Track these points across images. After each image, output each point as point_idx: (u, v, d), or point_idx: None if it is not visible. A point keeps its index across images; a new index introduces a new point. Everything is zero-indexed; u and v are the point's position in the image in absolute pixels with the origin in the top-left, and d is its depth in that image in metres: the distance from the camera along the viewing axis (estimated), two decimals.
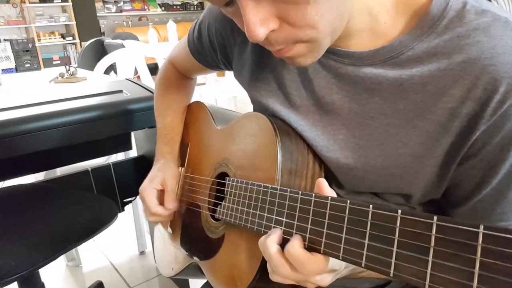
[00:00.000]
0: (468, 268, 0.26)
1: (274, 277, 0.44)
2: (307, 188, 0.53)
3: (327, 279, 0.42)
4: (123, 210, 1.38)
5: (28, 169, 1.28)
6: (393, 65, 0.45)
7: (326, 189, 0.42)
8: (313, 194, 0.40)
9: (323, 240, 0.38)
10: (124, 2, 7.02)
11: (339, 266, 0.43)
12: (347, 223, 0.36)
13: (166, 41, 4.79)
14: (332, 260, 0.41)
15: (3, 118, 0.96)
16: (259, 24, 0.39)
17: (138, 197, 1.45)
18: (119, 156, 1.79)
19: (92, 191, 1.29)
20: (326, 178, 0.54)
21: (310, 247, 0.39)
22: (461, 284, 0.26)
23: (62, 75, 1.76)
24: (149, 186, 0.74)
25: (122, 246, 1.78)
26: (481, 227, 0.25)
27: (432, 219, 0.28)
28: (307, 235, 0.40)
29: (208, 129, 0.74)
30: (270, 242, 0.42)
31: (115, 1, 6.92)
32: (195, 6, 7.71)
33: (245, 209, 0.51)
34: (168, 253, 0.81)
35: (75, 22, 6.25)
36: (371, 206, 0.33)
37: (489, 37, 0.40)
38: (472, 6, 0.42)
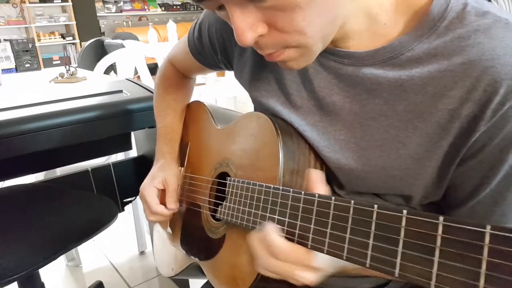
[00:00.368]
0: (474, 268, 0.26)
1: (259, 269, 0.45)
2: None
3: (309, 276, 0.42)
4: (123, 210, 1.38)
5: (28, 169, 1.28)
6: (393, 65, 0.45)
7: (317, 184, 0.42)
8: (317, 194, 0.40)
9: (327, 240, 0.38)
10: (124, 2, 7.02)
11: (326, 266, 0.43)
12: (351, 223, 0.35)
13: (166, 41, 4.79)
14: (319, 259, 0.41)
15: (3, 118, 0.96)
16: (247, 30, 0.40)
17: (138, 197, 1.45)
18: (119, 156, 1.79)
19: (92, 191, 1.29)
20: (327, 178, 0.54)
21: (313, 247, 0.39)
22: (467, 284, 0.26)
23: (62, 75, 1.76)
24: (149, 185, 0.74)
25: (122, 246, 1.78)
26: (488, 227, 0.25)
27: (438, 219, 0.28)
28: (310, 235, 0.40)
29: (208, 129, 0.74)
30: (253, 233, 0.45)
31: (115, 1, 6.92)
32: (195, 6, 7.70)
33: (247, 209, 0.51)
34: (168, 254, 0.81)
35: (75, 22, 6.25)
36: (375, 206, 0.33)
37: (489, 38, 0.40)
38: (472, 7, 0.41)
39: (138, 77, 3.23)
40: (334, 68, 0.49)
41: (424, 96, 0.43)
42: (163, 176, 0.75)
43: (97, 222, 0.94)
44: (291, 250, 0.41)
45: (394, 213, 0.32)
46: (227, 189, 0.58)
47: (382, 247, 0.32)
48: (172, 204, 0.73)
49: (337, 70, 0.49)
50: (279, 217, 0.44)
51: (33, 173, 1.47)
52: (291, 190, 0.43)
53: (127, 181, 1.36)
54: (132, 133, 1.44)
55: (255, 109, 0.64)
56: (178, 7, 7.57)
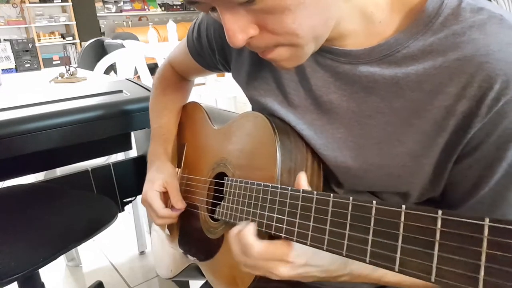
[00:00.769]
0: (474, 260, 0.26)
1: (240, 266, 0.48)
2: None
3: (285, 270, 0.43)
4: (123, 210, 1.38)
5: (28, 169, 1.28)
6: (389, 63, 0.45)
7: (303, 183, 0.45)
8: (315, 192, 0.40)
9: (326, 237, 0.38)
10: (124, 2, 7.02)
11: (305, 259, 0.43)
12: (350, 220, 0.35)
13: (166, 41, 4.79)
14: (295, 251, 0.42)
15: (3, 118, 0.96)
16: (238, 31, 0.40)
17: (138, 197, 1.45)
18: (119, 156, 1.79)
19: (92, 191, 1.29)
20: (325, 177, 0.54)
21: (312, 245, 0.39)
22: (467, 277, 0.26)
23: (62, 75, 1.76)
24: (151, 190, 0.72)
25: (122, 246, 1.78)
26: (487, 219, 0.25)
27: (437, 213, 0.28)
28: (310, 233, 0.40)
29: (204, 129, 0.74)
30: (232, 231, 0.48)
31: (115, 1, 6.92)
32: None
33: (245, 208, 0.51)
34: (166, 255, 0.81)
35: (75, 22, 6.25)
36: (374, 202, 0.33)
37: (484, 34, 0.40)
38: (467, 3, 0.42)
39: (138, 77, 3.23)
40: (331, 67, 0.49)
41: (420, 93, 0.43)
42: (163, 178, 0.73)
43: (97, 222, 0.94)
44: (265, 248, 0.44)
45: (393, 208, 0.32)
46: (225, 189, 0.58)
47: (381, 243, 0.32)
48: (179, 203, 0.71)
49: (334, 69, 0.49)
50: (278, 216, 0.44)
51: (33, 173, 1.47)
52: (290, 188, 0.43)
53: (127, 181, 1.36)
54: (132, 133, 1.44)
55: (253, 109, 0.64)
56: (178, 7, 7.57)
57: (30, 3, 5.86)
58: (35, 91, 1.52)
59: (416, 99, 0.44)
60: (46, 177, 1.49)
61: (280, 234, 0.43)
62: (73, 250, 1.64)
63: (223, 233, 0.60)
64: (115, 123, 1.11)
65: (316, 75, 0.51)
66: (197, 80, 0.90)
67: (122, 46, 3.40)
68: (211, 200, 0.68)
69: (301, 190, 0.42)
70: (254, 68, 0.59)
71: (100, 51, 3.51)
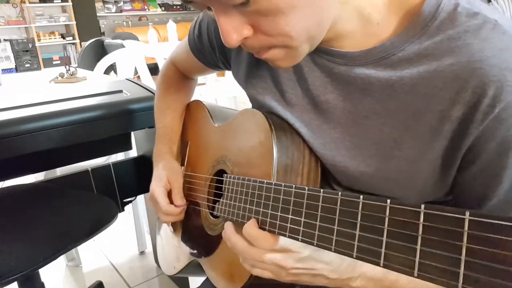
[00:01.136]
0: (455, 255, 0.26)
1: (243, 263, 0.49)
2: (303, 183, 0.53)
3: (290, 259, 0.44)
4: (123, 210, 1.38)
5: (28, 169, 1.28)
6: (385, 65, 0.45)
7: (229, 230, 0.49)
8: (306, 188, 0.40)
9: (316, 232, 0.38)
10: (124, 2, 7.02)
11: (310, 251, 0.43)
12: (339, 215, 0.36)
13: (166, 41, 4.79)
14: (284, 240, 0.43)
15: (3, 118, 0.96)
16: (232, 32, 0.41)
17: (138, 197, 1.45)
18: (119, 156, 1.79)
19: (92, 191, 1.29)
20: (324, 175, 0.54)
21: (304, 240, 0.39)
22: (448, 271, 0.26)
23: (62, 75, 1.76)
24: (158, 187, 0.73)
25: (122, 246, 1.78)
26: (467, 213, 0.25)
27: (420, 208, 0.28)
28: (301, 229, 0.40)
29: (206, 128, 0.75)
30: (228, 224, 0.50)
31: (115, 1, 6.92)
32: None
33: (242, 205, 0.51)
34: (170, 252, 0.82)
35: (75, 22, 6.25)
36: (361, 197, 0.33)
37: (478, 39, 0.39)
38: (463, 8, 0.41)
39: (138, 77, 3.23)
40: (328, 67, 0.50)
41: (415, 97, 0.43)
42: (168, 175, 0.75)
43: (97, 222, 0.94)
44: (272, 238, 0.45)
45: (379, 203, 0.32)
46: (224, 186, 0.58)
47: (368, 237, 0.32)
48: (179, 201, 0.72)
49: (330, 69, 0.49)
50: (272, 212, 0.45)
51: (33, 173, 1.47)
52: (283, 184, 0.43)
53: (127, 181, 1.36)
54: (132, 133, 1.44)
55: (253, 107, 0.64)
56: (178, 7, 7.57)
57: (30, 3, 5.86)
58: (35, 91, 1.52)
59: (410, 102, 0.43)
60: (46, 177, 1.49)
61: (274, 230, 0.44)
62: (73, 250, 1.64)
63: (222, 230, 0.61)
64: (115, 123, 1.11)
65: (313, 74, 0.51)
66: (198, 80, 0.91)
67: (122, 46, 3.40)
68: (212, 197, 0.68)
69: (294, 186, 0.42)
70: (252, 67, 0.60)
71: (100, 51, 3.51)
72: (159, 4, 7.41)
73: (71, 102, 1.13)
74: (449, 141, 0.43)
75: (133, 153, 1.51)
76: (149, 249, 1.73)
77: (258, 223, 0.47)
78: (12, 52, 3.94)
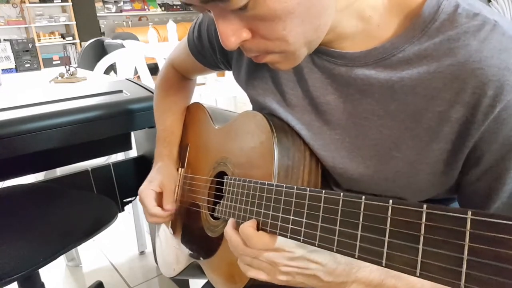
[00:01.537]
0: (457, 254, 0.26)
1: (239, 263, 0.49)
2: (304, 185, 0.53)
3: (283, 259, 0.44)
4: (123, 210, 1.39)
5: (28, 169, 1.28)
6: (385, 66, 0.45)
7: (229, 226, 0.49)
8: (308, 189, 0.40)
9: (318, 233, 0.38)
10: (124, 2, 7.02)
11: (303, 251, 0.43)
12: (340, 215, 0.36)
13: (166, 41, 4.79)
14: (294, 242, 0.43)
15: (3, 118, 0.96)
16: (230, 35, 0.42)
17: (138, 197, 1.44)
18: (119, 156, 1.79)
19: (92, 191, 1.29)
20: (324, 176, 0.54)
21: (305, 241, 0.39)
22: (450, 270, 0.26)
23: (62, 75, 1.77)
24: (147, 188, 0.75)
25: (122, 246, 1.78)
26: (469, 212, 0.25)
27: (422, 207, 0.28)
28: (303, 229, 0.40)
29: (206, 129, 0.75)
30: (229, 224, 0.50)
31: (115, 1, 6.92)
32: None
33: (243, 206, 0.51)
34: (169, 254, 0.82)
35: (75, 22, 6.25)
36: (363, 197, 0.34)
37: (477, 40, 0.39)
38: (463, 9, 0.41)
39: (138, 77, 3.23)
40: (328, 68, 0.50)
41: (414, 97, 0.43)
42: (160, 178, 0.76)
43: (97, 222, 0.94)
44: (265, 237, 0.45)
45: (381, 203, 0.32)
46: (224, 187, 0.58)
47: (370, 237, 0.32)
48: (168, 205, 0.74)
49: (330, 70, 0.49)
50: (273, 213, 0.45)
51: (33, 173, 1.47)
52: (284, 185, 0.43)
53: (127, 181, 1.36)
54: (132, 133, 1.44)
55: (253, 108, 0.64)
56: (178, 7, 7.57)
57: (30, 3, 5.86)
58: (35, 91, 1.52)
59: (410, 103, 0.43)
60: (46, 177, 1.49)
61: (275, 231, 0.44)
62: (73, 250, 1.64)
63: (223, 232, 0.61)
64: (115, 123, 1.11)
65: (313, 75, 0.52)
66: (198, 80, 0.91)
67: (122, 46, 3.40)
68: (212, 199, 0.68)
69: (295, 187, 0.42)
70: (253, 68, 0.60)
71: (100, 51, 3.51)
72: (159, 4, 7.41)
73: (71, 102, 1.13)
74: (449, 143, 0.42)
75: (133, 153, 1.51)
76: (149, 249, 1.73)
77: (259, 224, 0.47)
78: (12, 52, 3.94)
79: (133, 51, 3.23)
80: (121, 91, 1.26)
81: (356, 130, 0.48)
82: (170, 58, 0.83)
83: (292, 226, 0.41)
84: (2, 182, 1.39)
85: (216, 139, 0.70)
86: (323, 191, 0.38)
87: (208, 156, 0.71)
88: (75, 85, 1.61)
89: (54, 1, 6.06)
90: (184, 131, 0.83)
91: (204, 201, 0.69)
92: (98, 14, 6.59)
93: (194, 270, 0.72)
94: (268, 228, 0.45)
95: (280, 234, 0.43)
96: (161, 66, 3.25)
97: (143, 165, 1.39)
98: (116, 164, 1.34)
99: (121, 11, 6.96)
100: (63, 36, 6.31)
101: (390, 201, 0.31)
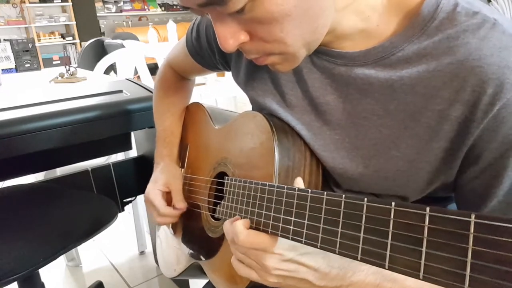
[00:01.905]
0: (460, 257, 0.26)
1: (232, 260, 0.49)
2: (305, 185, 0.53)
3: (271, 260, 0.43)
4: (123, 210, 1.38)
5: (28, 169, 1.28)
6: (384, 65, 0.45)
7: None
8: (310, 190, 0.40)
9: (320, 235, 0.38)
10: (124, 2, 7.02)
11: (293, 253, 0.43)
12: (342, 217, 0.35)
13: (166, 41, 4.79)
14: (283, 244, 0.43)
15: (3, 118, 0.96)
16: (229, 37, 0.42)
17: (138, 197, 1.45)
18: (119, 156, 1.79)
19: (92, 191, 1.29)
20: (324, 176, 0.54)
21: (307, 243, 0.39)
22: (454, 273, 0.26)
23: (62, 75, 1.76)
24: (153, 189, 0.74)
25: (122, 246, 1.78)
26: (473, 215, 0.25)
27: (425, 210, 0.28)
28: (304, 231, 0.40)
29: (206, 130, 0.74)
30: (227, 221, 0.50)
31: (115, 1, 6.92)
32: None
33: (244, 207, 0.51)
34: (170, 255, 0.82)
35: (75, 22, 6.24)
36: (365, 199, 0.33)
37: (477, 38, 0.39)
38: (463, 8, 0.41)
39: (138, 77, 3.23)
40: (327, 68, 0.50)
41: (414, 96, 0.43)
42: (165, 178, 0.75)
43: (97, 222, 0.94)
44: (252, 235, 0.45)
45: (383, 206, 0.32)
46: (225, 188, 0.58)
47: (372, 240, 0.32)
48: (180, 203, 0.73)
49: (330, 70, 0.49)
50: (274, 214, 0.44)
51: (33, 173, 1.47)
52: (286, 186, 0.43)
53: (127, 181, 1.36)
54: (132, 133, 1.44)
55: (253, 109, 0.64)
56: (178, 7, 7.55)
57: (30, 3, 5.86)
58: (35, 91, 1.52)
59: (410, 102, 0.43)
60: (46, 177, 1.49)
61: (277, 232, 0.43)
62: (73, 250, 1.64)
63: (223, 232, 0.61)
64: (115, 123, 1.11)
65: (312, 76, 0.52)
66: (197, 80, 0.91)
67: (122, 46, 3.40)
68: (213, 200, 0.68)
69: (297, 188, 0.42)
70: (252, 69, 0.60)
71: (100, 51, 3.51)
72: (159, 4, 7.41)
73: (71, 102, 1.13)
74: (448, 141, 0.42)
75: (133, 153, 1.51)
76: (149, 249, 1.73)
77: (260, 225, 0.47)
78: (12, 52, 3.94)
79: (133, 51, 3.23)
80: (121, 91, 1.26)
81: (355, 130, 0.48)
82: (168, 58, 0.83)
83: (294, 228, 0.41)
84: (2, 182, 1.39)
85: (216, 139, 0.70)
86: (325, 192, 0.38)
87: (208, 156, 0.71)
88: (75, 85, 1.61)
89: (54, 1, 6.06)
90: (184, 131, 0.83)
91: (205, 201, 0.69)
92: (98, 14, 6.59)
93: (195, 270, 0.72)
94: (269, 230, 0.45)
95: (281, 236, 0.43)
96: (159, 68, 3.24)
97: (143, 165, 1.39)
98: (116, 164, 1.33)
99: (121, 11, 6.96)
100: (63, 36, 6.31)
101: (393, 203, 0.31)
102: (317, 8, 0.40)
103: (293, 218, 0.41)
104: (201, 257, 0.68)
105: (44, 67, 5.45)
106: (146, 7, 7.28)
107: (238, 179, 0.55)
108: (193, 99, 0.87)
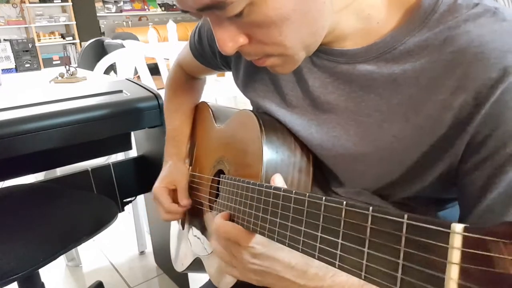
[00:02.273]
0: (394, 258, 0.26)
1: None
2: (294, 182, 0.53)
3: (245, 253, 0.44)
4: (123, 210, 1.38)
5: (28, 169, 1.28)
6: (386, 60, 0.45)
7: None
8: (294, 191, 0.39)
9: (288, 233, 0.38)
10: (124, 2, 7.02)
11: (266, 248, 0.43)
12: (306, 216, 0.36)
13: (166, 41, 4.78)
14: (256, 238, 0.44)
15: (3, 118, 0.96)
16: (227, 40, 0.42)
17: (138, 197, 1.45)
18: (119, 156, 1.79)
19: (92, 191, 1.29)
20: (325, 177, 0.54)
21: (290, 246, 0.38)
22: (388, 275, 0.26)
23: (62, 75, 1.76)
24: (160, 186, 0.76)
25: (122, 246, 1.78)
26: (405, 216, 0.25)
27: (368, 210, 0.28)
28: (288, 233, 0.39)
29: (209, 128, 0.76)
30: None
31: (115, 1, 6.92)
32: None
33: (233, 205, 0.51)
34: (180, 250, 0.85)
35: (75, 22, 6.24)
36: (324, 198, 0.33)
37: (478, 26, 0.39)
38: (463, 0, 0.41)
39: (138, 77, 3.23)
40: (329, 67, 0.50)
41: (417, 89, 0.43)
42: (172, 176, 0.78)
43: (97, 222, 0.95)
44: (227, 226, 0.46)
45: (336, 205, 0.32)
46: (220, 186, 0.59)
47: (327, 239, 0.32)
48: (184, 200, 0.75)
49: (332, 69, 0.49)
50: (263, 215, 0.43)
51: (33, 173, 1.47)
52: (273, 187, 0.42)
53: (127, 181, 1.36)
54: (132, 133, 1.44)
55: (253, 109, 0.64)
56: None
57: (30, 3, 5.86)
58: (35, 91, 1.52)
59: (413, 95, 0.43)
60: (46, 177, 1.49)
61: (264, 232, 0.42)
62: (73, 250, 1.64)
63: None
64: (115, 123, 1.12)
65: (313, 75, 0.51)
66: (206, 79, 0.93)
67: (122, 46, 3.40)
68: (214, 198, 0.70)
69: (282, 189, 0.40)
70: (252, 70, 0.60)
71: (100, 51, 3.51)
72: (159, 4, 7.41)
73: (71, 102, 1.13)
74: (448, 128, 0.41)
75: (133, 153, 1.51)
76: (149, 249, 1.73)
77: (250, 224, 0.46)
78: (12, 52, 3.94)
79: (133, 51, 3.23)
80: (121, 91, 1.26)
81: (356, 128, 0.48)
82: (178, 58, 0.85)
83: (279, 230, 0.40)
84: (2, 182, 1.39)
85: (216, 138, 0.72)
86: (307, 194, 0.37)
87: (210, 154, 0.73)
88: (75, 85, 1.61)
89: (54, 1, 6.06)
90: (193, 130, 0.85)
91: (206, 199, 0.70)
92: (98, 14, 6.58)
93: (199, 265, 0.74)
94: (258, 229, 0.44)
95: (268, 237, 0.42)
96: (161, 66, 3.25)
97: (143, 165, 1.39)
98: (116, 164, 1.34)
99: (121, 11, 6.96)
100: (63, 36, 6.31)
101: (344, 202, 0.31)
102: (315, 11, 0.41)
103: (278, 220, 0.41)
104: (202, 252, 0.70)
105: (44, 67, 5.45)
106: (146, 7, 7.27)
107: (230, 177, 0.55)
108: None
